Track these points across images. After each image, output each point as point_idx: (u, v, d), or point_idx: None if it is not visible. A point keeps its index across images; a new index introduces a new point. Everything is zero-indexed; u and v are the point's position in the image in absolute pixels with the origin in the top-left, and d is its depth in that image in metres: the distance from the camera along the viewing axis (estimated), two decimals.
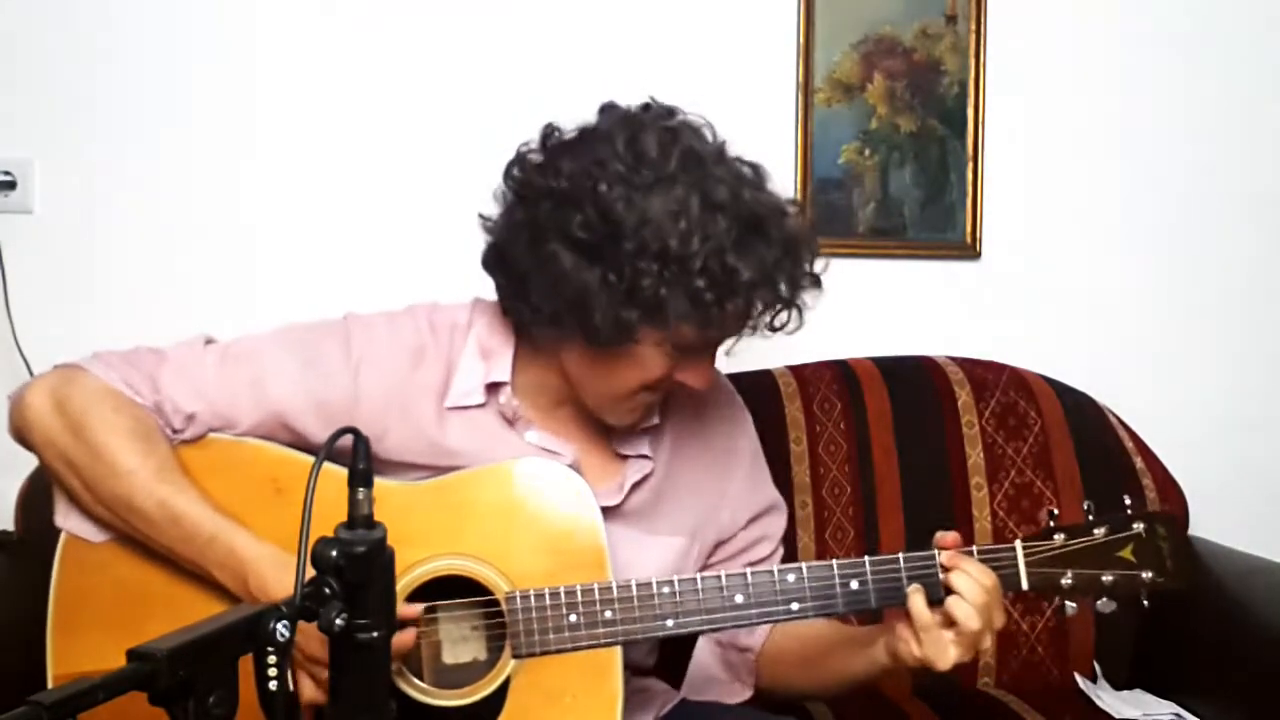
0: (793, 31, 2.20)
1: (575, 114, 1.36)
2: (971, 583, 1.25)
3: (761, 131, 2.19)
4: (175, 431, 1.33)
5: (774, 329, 1.34)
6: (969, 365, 2.07)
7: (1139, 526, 1.32)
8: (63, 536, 1.35)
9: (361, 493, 0.94)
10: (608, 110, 1.33)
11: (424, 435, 1.37)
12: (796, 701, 1.51)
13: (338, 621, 0.90)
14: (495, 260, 1.36)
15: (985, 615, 1.24)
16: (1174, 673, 1.88)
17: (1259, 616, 1.78)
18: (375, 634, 0.93)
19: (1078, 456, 2.00)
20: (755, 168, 1.33)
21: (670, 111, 1.33)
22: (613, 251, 1.24)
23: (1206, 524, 2.03)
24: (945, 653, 1.24)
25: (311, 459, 0.94)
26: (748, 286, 1.24)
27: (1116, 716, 1.78)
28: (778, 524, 1.54)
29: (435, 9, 2.15)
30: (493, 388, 1.39)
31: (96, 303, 2.09)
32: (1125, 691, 1.89)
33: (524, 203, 1.32)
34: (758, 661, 1.49)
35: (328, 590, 0.91)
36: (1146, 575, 1.31)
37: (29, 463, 1.88)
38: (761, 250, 1.25)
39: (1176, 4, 2.28)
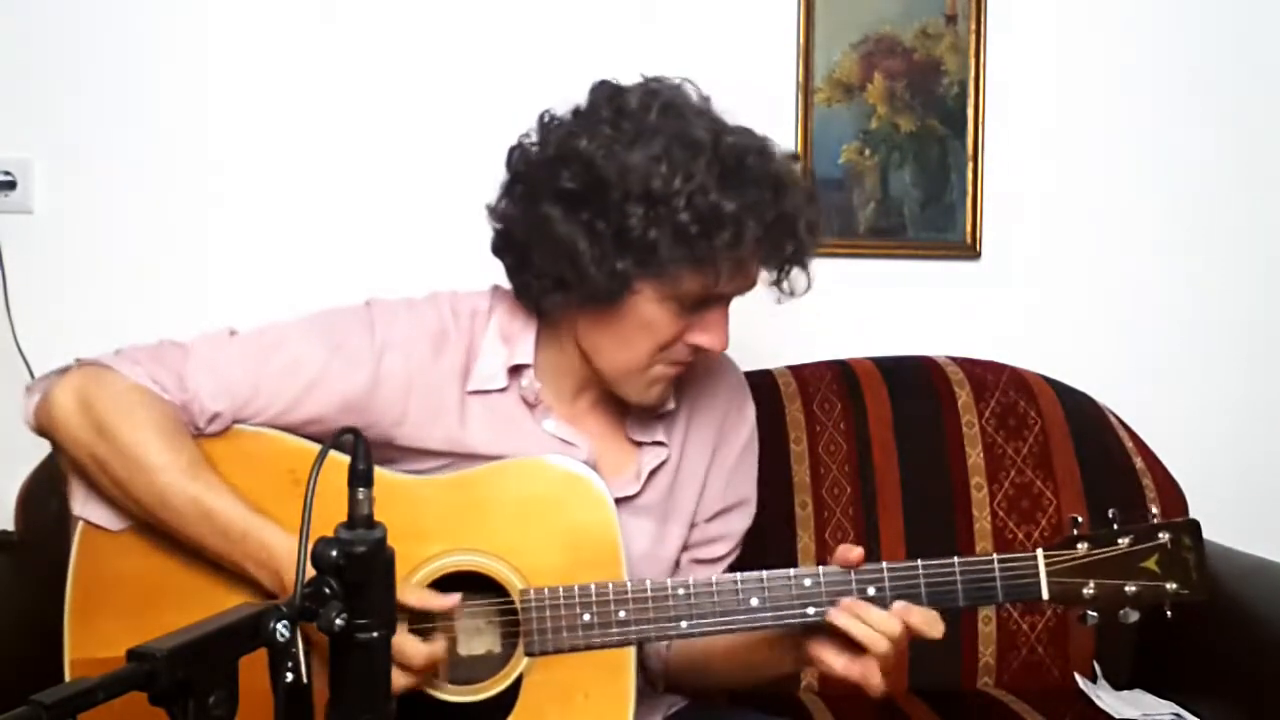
0: (793, 31, 2.20)
1: None
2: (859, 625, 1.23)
3: (761, 131, 2.20)
4: (198, 430, 1.34)
5: (779, 286, 1.36)
6: (969, 365, 2.07)
7: (1164, 536, 1.30)
8: (80, 524, 1.35)
9: (361, 493, 0.94)
10: (597, 86, 1.37)
11: (443, 421, 1.38)
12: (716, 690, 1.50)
13: (338, 621, 0.90)
14: (500, 241, 1.39)
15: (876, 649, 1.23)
16: (1174, 673, 1.88)
17: (1259, 616, 1.78)
18: (375, 634, 0.93)
19: (1078, 456, 2.00)
20: (747, 129, 1.35)
21: (658, 78, 1.36)
22: (599, 201, 1.27)
23: (1207, 524, 2.01)
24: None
25: (329, 450, 0.94)
26: (733, 218, 1.25)
27: (1116, 716, 1.78)
28: (741, 522, 1.53)
29: (436, 8, 2.15)
30: (515, 371, 1.40)
31: (96, 303, 2.08)
32: (1125, 691, 1.89)
33: (519, 178, 1.37)
34: (677, 654, 1.47)
35: (328, 590, 0.91)
36: (1171, 586, 1.29)
37: (29, 463, 1.89)
38: (746, 186, 1.27)
39: (1177, 3, 2.28)
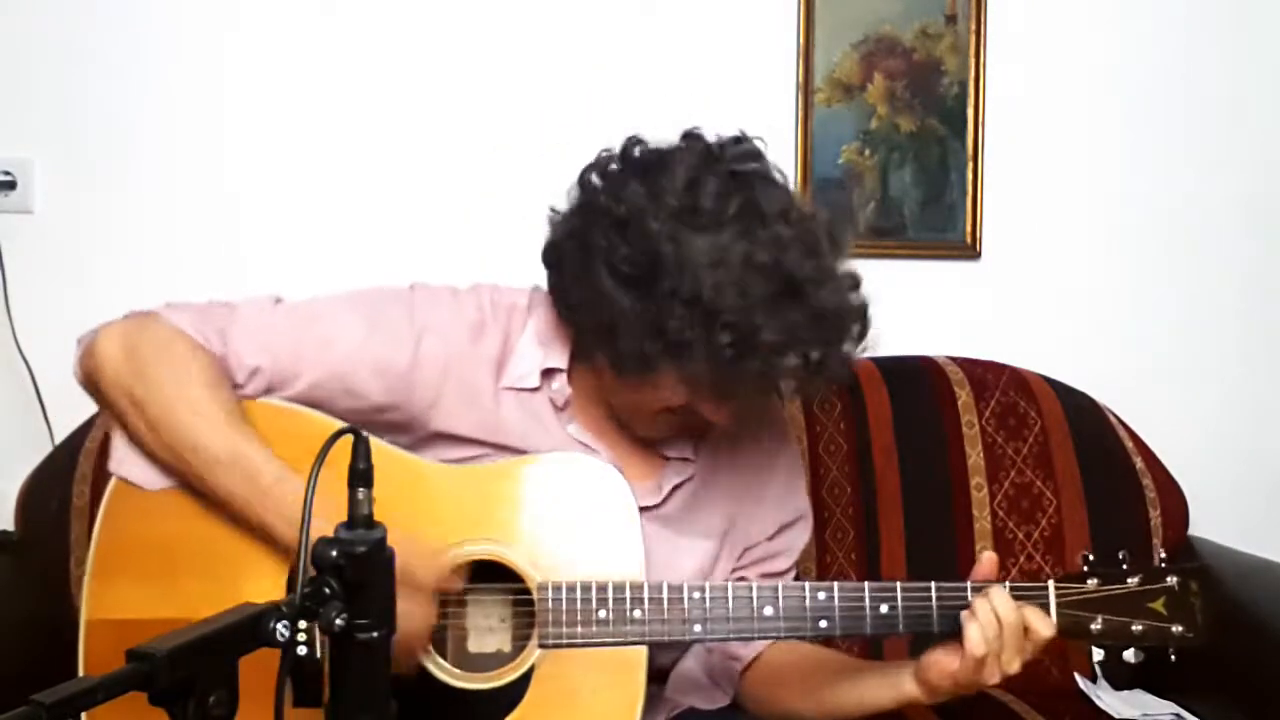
0: (793, 31, 2.20)
1: (577, 112, 1.37)
2: (988, 610, 1.24)
3: (761, 131, 2.19)
4: (237, 386, 1.35)
5: (798, 393, 1.36)
6: (969, 365, 2.07)
7: (1172, 580, 1.30)
8: (113, 482, 1.36)
9: (362, 493, 0.94)
10: (688, 139, 1.33)
11: (476, 407, 1.39)
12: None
13: (338, 621, 0.90)
14: (550, 258, 1.38)
15: (993, 645, 1.23)
16: (1174, 673, 1.87)
17: (1259, 616, 1.78)
18: (375, 634, 0.93)
19: (1078, 456, 2.00)
20: (831, 234, 1.31)
21: (753, 154, 1.32)
22: (650, 287, 1.26)
23: (1206, 524, 2.03)
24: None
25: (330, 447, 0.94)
26: (769, 350, 1.23)
27: (1116, 716, 1.78)
28: (801, 537, 1.54)
29: (437, 10, 2.15)
30: (548, 373, 1.41)
31: (96, 303, 2.07)
32: (1125, 691, 1.89)
33: (584, 214, 1.34)
34: (751, 678, 1.48)
35: (328, 590, 0.91)
36: (1177, 629, 1.29)
37: (29, 463, 1.90)
38: (794, 316, 1.24)
39: (1177, 4, 2.28)
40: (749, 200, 1.26)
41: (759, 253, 1.24)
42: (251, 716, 0.87)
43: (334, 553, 0.91)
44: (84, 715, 0.79)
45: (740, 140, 1.33)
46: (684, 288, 1.23)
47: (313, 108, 2.13)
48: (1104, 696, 1.85)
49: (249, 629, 0.87)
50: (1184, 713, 1.79)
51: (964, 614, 1.25)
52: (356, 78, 2.13)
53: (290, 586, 1.30)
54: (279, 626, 0.87)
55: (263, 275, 2.09)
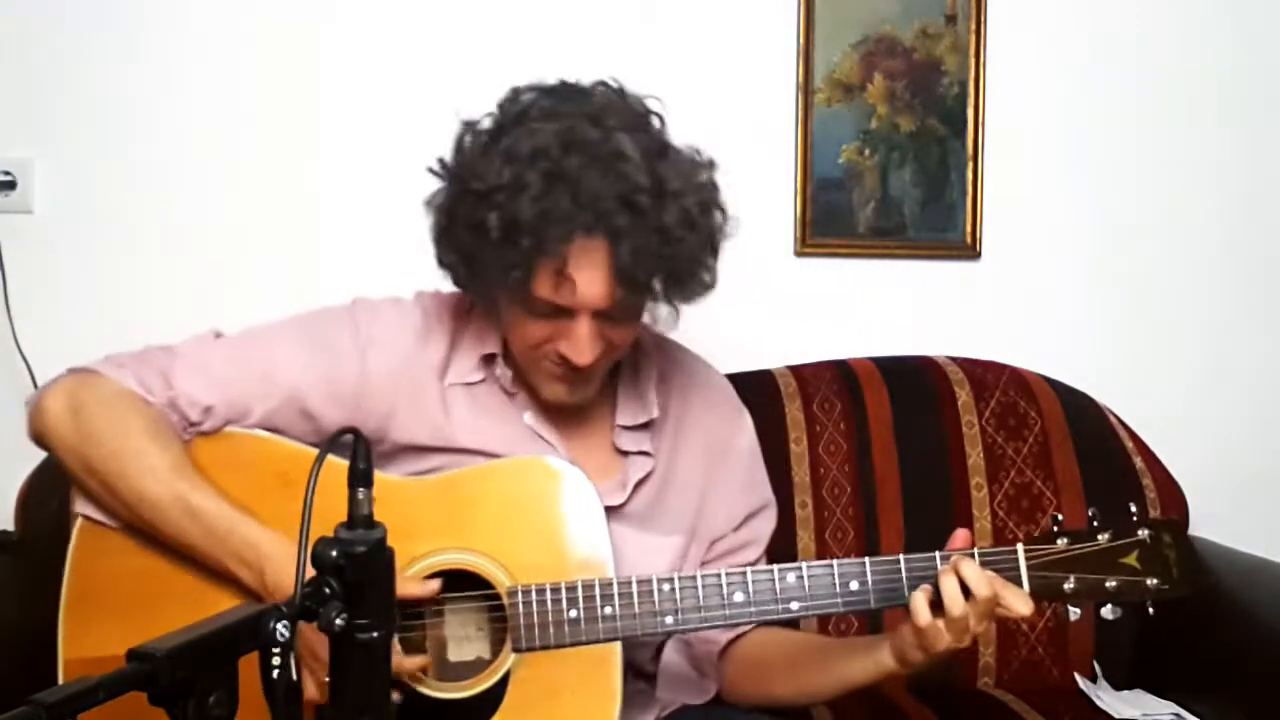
0: (793, 31, 2.19)
1: None
2: (954, 590, 1.23)
3: (761, 131, 2.20)
4: (192, 424, 1.35)
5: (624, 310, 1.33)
6: (969, 365, 2.07)
7: (1144, 533, 1.31)
8: (79, 521, 1.37)
9: (361, 493, 0.94)
10: (554, 86, 1.37)
11: (429, 413, 1.40)
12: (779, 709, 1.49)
13: (338, 621, 0.90)
14: None
15: (959, 623, 1.23)
16: (1174, 673, 1.88)
17: (1259, 616, 1.78)
18: (375, 634, 0.93)
19: (1078, 456, 2.00)
20: (698, 160, 1.33)
21: (620, 92, 1.33)
22: (452, 192, 1.32)
23: (1206, 524, 2.03)
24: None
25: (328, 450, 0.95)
26: (529, 228, 1.23)
27: (1116, 716, 1.78)
28: (767, 526, 1.54)
29: (436, 13, 2.15)
30: (488, 360, 1.42)
31: (96, 303, 2.09)
32: (1125, 691, 1.89)
33: None
34: (733, 668, 1.48)
35: (328, 590, 0.91)
36: (1152, 582, 1.30)
37: (29, 463, 1.89)
38: (563, 204, 1.22)
39: (1176, 4, 2.28)
40: (551, 110, 1.29)
41: (540, 140, 1.25)
42: None
43: (334, 553, 0.91)
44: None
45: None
46: (469, 184, 1.28)
47: (312, 109, 2.13)
48: (1104, 696, 1.85)
49: (249, 629, 0.87)
50: (1184, 713, 1.79)
51: (921, 587, 1.25)
52: (357, 80, 2.13)
53: None
54: (279, 626, 0.87)
55: (261, 274, 2.10)
